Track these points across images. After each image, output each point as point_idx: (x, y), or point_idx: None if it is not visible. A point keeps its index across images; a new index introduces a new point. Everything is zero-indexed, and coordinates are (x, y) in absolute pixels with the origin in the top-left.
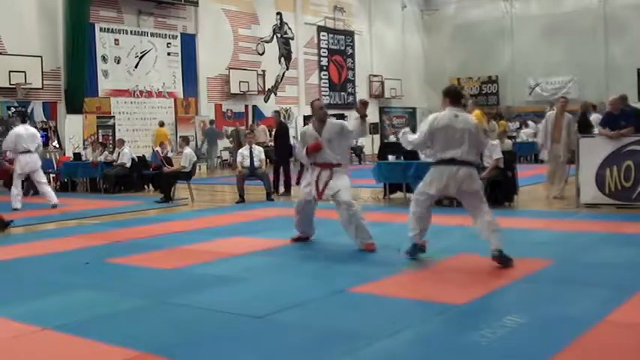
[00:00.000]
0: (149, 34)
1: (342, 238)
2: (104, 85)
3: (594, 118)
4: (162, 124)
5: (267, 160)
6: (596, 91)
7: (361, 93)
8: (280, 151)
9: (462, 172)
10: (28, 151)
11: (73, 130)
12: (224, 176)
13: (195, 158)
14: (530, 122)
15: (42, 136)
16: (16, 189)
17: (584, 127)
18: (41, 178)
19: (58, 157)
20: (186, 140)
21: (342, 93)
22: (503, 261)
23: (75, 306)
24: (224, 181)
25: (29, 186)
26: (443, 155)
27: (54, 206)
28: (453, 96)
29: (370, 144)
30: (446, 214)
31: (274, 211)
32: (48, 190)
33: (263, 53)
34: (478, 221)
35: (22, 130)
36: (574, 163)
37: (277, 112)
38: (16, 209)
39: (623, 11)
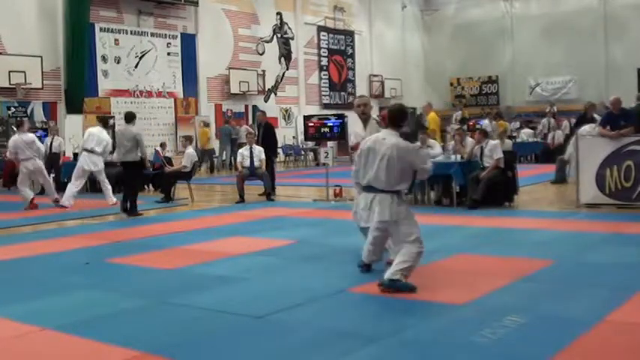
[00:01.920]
0: (149, 34)
1: (342, 238)
2: (104, 85)
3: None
4: (207, 125)
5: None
6: (596, 91)
7: (361, 93)
8: (265, 153)
9: (378, 201)
10: (92, 152)
11: (73, 130)
12: (224, 176)
13: (196, 158)
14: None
15: (43, 136)
16: (77, 184)
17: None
18: (103, 177)
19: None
20: (189, 140)
21: (342, 93)
22: (386, 289)
23: (75, 306)
24: (224, 181)
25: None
26: (364, 181)
27: (114, 204)
28: (391, 116)
29: None
30: (446, 214)
31: (274, 211)
32: (108, 189)
33: (263, 53)
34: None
35: (96, 130)
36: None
37: (263, 112)
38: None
39: (623, 11)
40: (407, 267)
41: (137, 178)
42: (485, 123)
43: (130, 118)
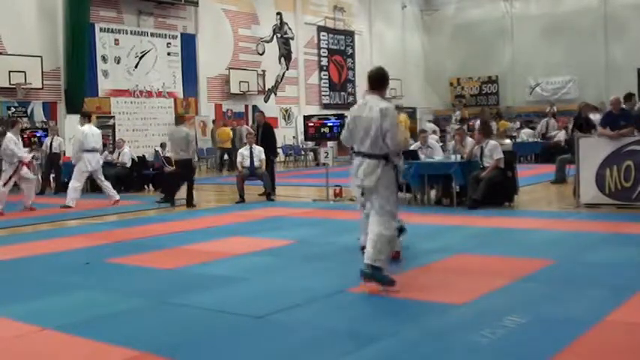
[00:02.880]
0: (149, 34)
1: (342, 238)
2: (104, 85)
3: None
4: (225, 125)
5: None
6: (596, 91)
7: (361, 93)
8: (265, 153)
9: (364, 166)
10: (94, 150)
11: (73, 130)
12: (224, 176)
13: (196, 158)
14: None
15: (43, 136)
16: (80, 184)
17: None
18: (101, 176)
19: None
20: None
21: (342, 93)
22: (367, 279)
23: (75, 306)
24: (224, 181)
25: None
26: (355, 148)
27: (117, 202)
28: (371, 80)
29: None
30: (446, 214)
31: (274, 211)
32: (109, 186)
33: (263, 53)
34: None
35: (87, 129)
36: (574, 163)
37: (262, 113)
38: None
39: (623, 11)
40: (383, 258)
41: (189, 174)
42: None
43: (180, 119)
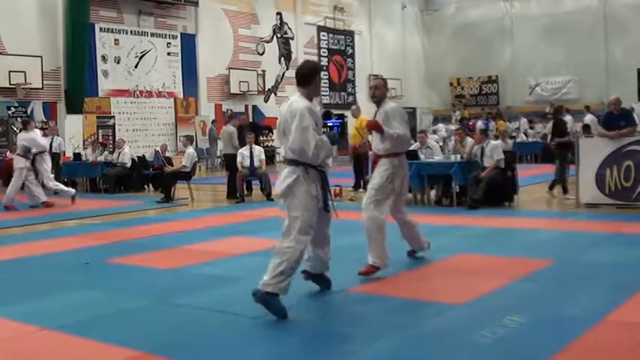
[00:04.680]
0: (149, 34)
1: (341, 238)
2: (104, 85)
3: (588, 118)
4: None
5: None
6: (596, 91)
7: (361, 93)
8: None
9: (283, 174)
10: (44, 152)
11: (73, 130)
12: (224, 176)
13: (196, 158)
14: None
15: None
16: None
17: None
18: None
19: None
20: (190, 140)
21: (342, 93)
22: (260, 301)
23: (75, 306)
24: (224, 181)
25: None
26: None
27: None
28: (296, 76)
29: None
30: (446, 214)
31: (274, 211)
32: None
33: (263, 53)
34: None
35: (36, 134)
36: (574, 163)
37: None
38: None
39: (623, 11)
40: (278, 273)
41: (233, 166)
42: (479, 124)
43: (228, 120)
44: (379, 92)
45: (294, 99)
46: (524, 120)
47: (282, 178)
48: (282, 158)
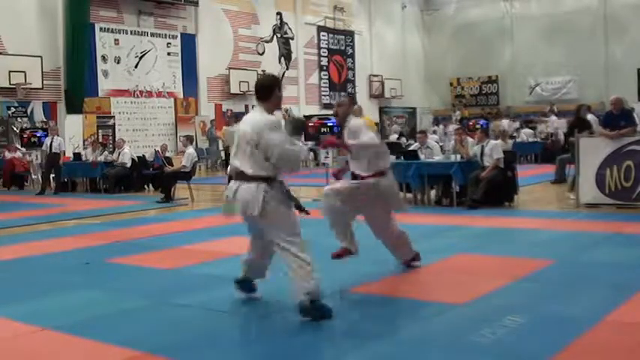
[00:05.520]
0: (149, 34)
1: None
2: (104, 85)
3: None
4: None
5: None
6: (596, 91)
7: (361, 93)
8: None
9: (241, 192)
10: None
11: (73, 130)
12: (224, 176)
13: (196, 158)
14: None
15: (42, 136)
16: None
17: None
18: None
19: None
20: (190, 140)
21: (342, 93)
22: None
23: (75, 306)
24: (224, 181)
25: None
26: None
27: None
28: (256, 91)
29: None
30: (446, 214)
31: None
32: None
33: (263, 53)
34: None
35: None
36: (574, 162)
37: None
38: None
39: (623, 11)
40: (312, 286)
41: None
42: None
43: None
44: (341, 110)
45: (255, 115)
46: (554, 117)
47: (258, 195)
48: (230, 173)
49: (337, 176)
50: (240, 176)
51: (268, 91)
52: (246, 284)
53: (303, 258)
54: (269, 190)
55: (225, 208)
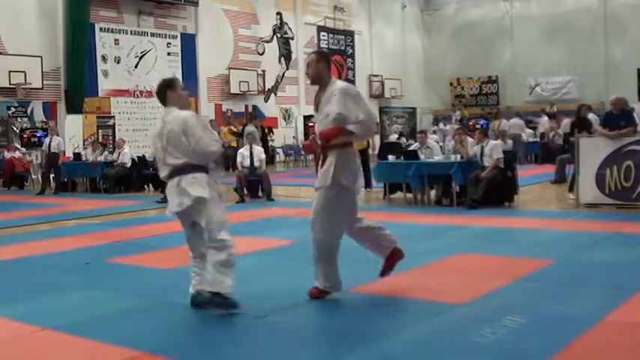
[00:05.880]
0: (149, 34)
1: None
2: (104, 85)
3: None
4: (229, 124)
5: None
6: (596, 91)
7: (361, 93)
8: None
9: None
10: None
11: (73, 130)
12: (224, 176)
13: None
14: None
15: (42, 136)
16: None
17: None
18: None
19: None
20: None
21: None
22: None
23: (75, 306)
24: (224, 181)
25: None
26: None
27: None
28: (158, 99)
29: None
30: (446, 214)
31: (274, 211)
32: None
33: (263, 53)
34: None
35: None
36: (574, 162)
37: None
38: None
39: (623, 11)
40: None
41: None
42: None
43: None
44: (311, 70)
45: (174, 112)
46: (545, 118)
47: (179, 190)
48: (167, 173)
49: (311, 148)
50: (179, 170)
51: (163, 95)
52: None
53: (229, 250)
54: (204, 177)
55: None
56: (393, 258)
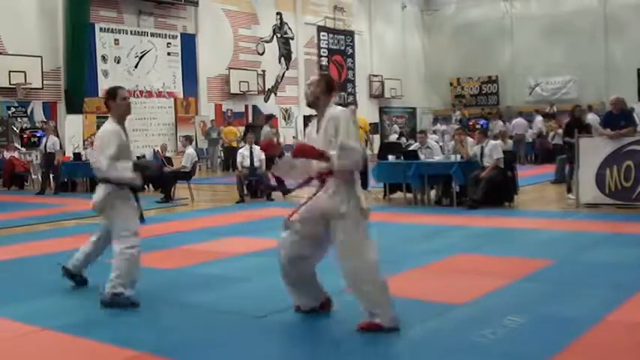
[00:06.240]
0: (149, 34)
1: None
2: (104, 85)
3: (591, 118)
4: (229, 124)
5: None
6: (596, 91)
7: (361, 93)
8: None
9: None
10: None
11: (73, 130)
12: (224, 176)
13: (196, 158)
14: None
15: (42, 136)
16: None
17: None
18: None
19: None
20: (189, 140)
21: (342, 93)
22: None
23: (75, 306)
24: (224, 181)
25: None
26: None
27: None
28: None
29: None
30: (446, 214)
31: (274, 211)
32: None
33: (263, 53)
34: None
35: None
36: (570, 162)
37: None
38: None
39: (623, 11)
40: (118, 277)
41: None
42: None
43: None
44: (311, 90)
45: (104, 125)
46: (539, 118)
47: (100, 191)
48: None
49: (269, 149)
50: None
51: (106, 103)
52: (77, 278)
53: (130, 254)
54: (112, 191)
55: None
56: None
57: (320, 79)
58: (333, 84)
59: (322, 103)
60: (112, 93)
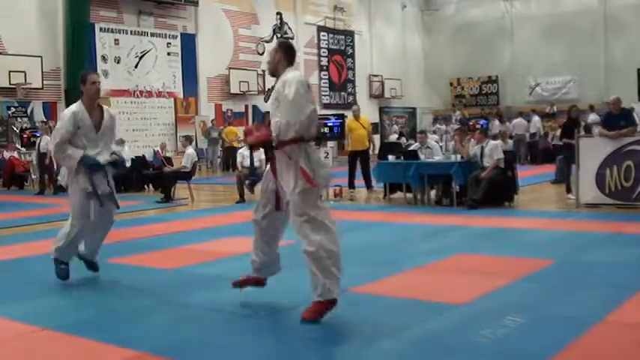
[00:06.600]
0: (149, 34)
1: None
2: (104, 85)
3: (592, 118)
4: (229, 124)
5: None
6: (596, 91)
7: (361, 93)
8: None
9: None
10: None
11: None
12: (224, 176)
13: (196, 158)
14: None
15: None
16: None
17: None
18: None
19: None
20: (189, 140)
21: (342, 93)
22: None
23: (75, 306)
24: (224, 181)
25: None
26: None
27: None
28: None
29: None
30: (446, 214)
31: None
32: None
33: (263, 53)
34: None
35: None
36: (574, 162)
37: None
38: None
39: (623, 11)
40: (59, 246)
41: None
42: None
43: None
44: (270, 58)
45: (70, 107)
46: (536, 118)
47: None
48: None
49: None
50: None
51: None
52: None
53: (70, 231)
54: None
55: None
56: (251, 282)
57: (278, 47)
58: (292, 50)
59: (281, 71)
60: (83, 78)
